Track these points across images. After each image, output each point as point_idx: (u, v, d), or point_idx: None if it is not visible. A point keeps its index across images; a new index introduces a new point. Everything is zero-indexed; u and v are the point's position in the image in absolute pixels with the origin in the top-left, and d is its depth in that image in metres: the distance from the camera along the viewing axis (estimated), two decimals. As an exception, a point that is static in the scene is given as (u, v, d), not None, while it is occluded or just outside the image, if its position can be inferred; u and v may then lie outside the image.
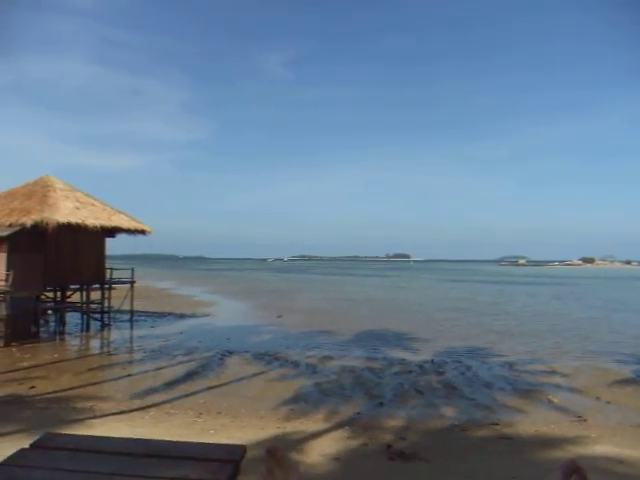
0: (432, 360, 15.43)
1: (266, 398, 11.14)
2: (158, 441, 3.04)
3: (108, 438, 3.06)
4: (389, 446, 7.74)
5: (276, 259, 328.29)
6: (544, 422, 9.51)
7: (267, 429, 8.77)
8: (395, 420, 9.61)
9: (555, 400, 11.14)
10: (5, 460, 2.65)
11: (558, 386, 12.61)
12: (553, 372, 14.18)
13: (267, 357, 15.84)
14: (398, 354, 16.55)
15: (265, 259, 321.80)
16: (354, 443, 7.98)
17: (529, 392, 11.92)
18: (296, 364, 14.93)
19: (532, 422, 9.52)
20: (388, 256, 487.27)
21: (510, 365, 14.91)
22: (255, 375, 13.49)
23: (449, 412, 10.21)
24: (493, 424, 9.34)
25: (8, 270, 17.82)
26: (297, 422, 9.31)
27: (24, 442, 7.40)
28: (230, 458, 2.69)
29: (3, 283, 17.67)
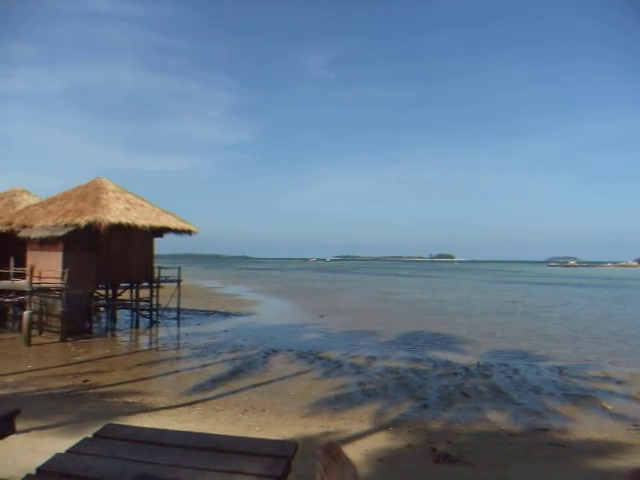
0: (478, 363, 15.10)
1: (309, 397, 11.19)
2: (214, 435, 3.11)
3: (167, 430, 3.16)
4: (434, 449, 7.63)
5: (318, 259, 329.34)
6: (597, 430, 9.14)
7: (311, 427, 8.82)
8: (440, 423, 9.46)
9: (609, 407, 10.69)
10: (71, 448, 2.79)
11: (613, 393, 12.08)
12: (607, 378, 13.60)
13: (310, 356, 15.93)
14: (443, 356, 16.29)
15: (307, 259, 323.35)
16: (398, 444, 7.91)
17: (581, 398, 11.48)
18: (339, 364, 14.93)
19: (584, 429, 9.17)
20: (431, 256, 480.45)
21: (561, 370, 14.41)
22: (298, 374, 13.59)
23: (496, 416, 9.97)
24: (542, 430, 9.05)
25: (64, 268, 18.65)
26: (341, 422, 9.31)
27: (81, 432, 7.73)
28: (283, 454, 2.72)
29: (59, 281, 18.50)
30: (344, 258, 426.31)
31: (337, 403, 10.71)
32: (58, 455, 2.69)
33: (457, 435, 8.62)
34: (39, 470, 2.53)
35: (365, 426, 9.02)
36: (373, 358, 15.86)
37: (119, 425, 3.27)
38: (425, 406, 10.60)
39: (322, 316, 26.50)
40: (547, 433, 8.86)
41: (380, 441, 8.04)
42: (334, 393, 11.50)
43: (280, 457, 2.67)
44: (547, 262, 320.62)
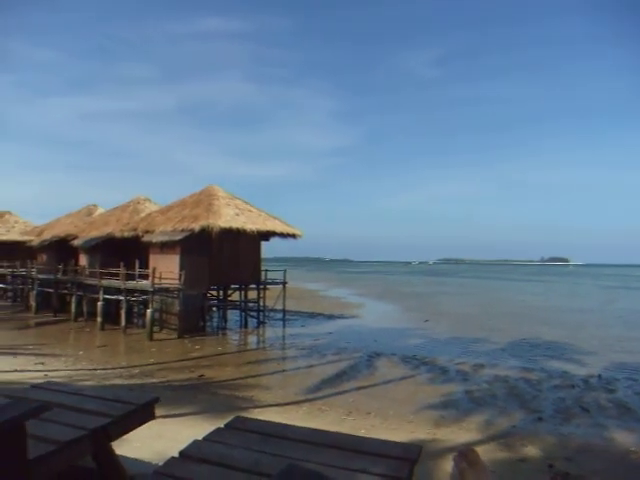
0: (599, 375, 13.90)
1: (415, 402, 11.00)
2: (337, 433, 3.19)
3: (291, 426, 3.29)
4: (551, 465, 7.14)
5: (421, 262, 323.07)
6: None
7: (417, 433, 8.66)
8: (556, 438, 8.82)
9: None
10: (207, 436, 3.01)
11: None
12: None
13: (415, 361, 15.66)
14: (558, 366, 15.21)
15: (409, 262, 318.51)
16: (510, 458, 7.50)
17: None
18: (445, 370, 14.52)
19: None
20: (543, 260, 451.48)
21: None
22: (403, 378, 13.42)
23: (622, 435, 9.09)
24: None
25: (181, 270, 20.07)
26: (447, 429, 9.04)
27: (199, 421, 8.23)
28: (408, 456, 2.70)
29: (177, 282, 19.92)
30: (447, 261, 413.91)
31: (443, 410, 10.41)
32: (196, 441, 2.92)
33: (577, 453, 7.99)
34: (181, 454, 2.75)
35: (473, 435, 8.68)
36: (481, 365, 15.22)
37: (247, 418, 3.46)
38: (539, 419, 9.96)
39: (426, 320, 25.94)
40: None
41: (490, 452, 7.68)
42: (440, 400, 11.20)
43: (405, 460, 2.65)
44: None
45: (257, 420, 3.40)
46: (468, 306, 35.52)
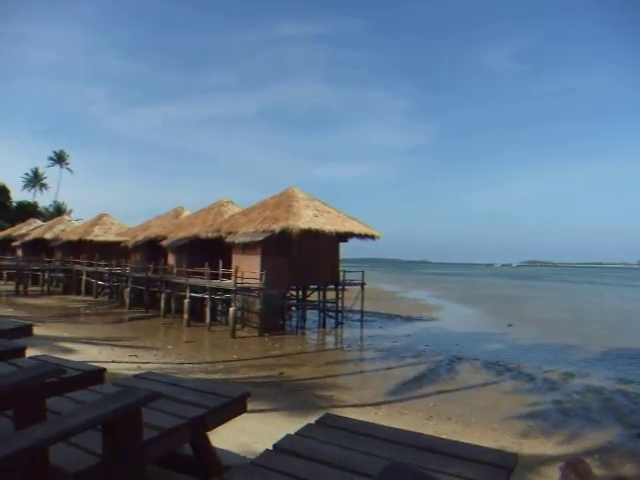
0: None
1: (498, 410, 10.61)
2: (426, 435, 3.16)
3: (382, 426, 3.31)
4: (653, 485, 6.63)
5: (503, 265, 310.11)
6: None
7: (501, 442, 8.33)
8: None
9: None
10: (299, 431, 3.11)
11: None
12: None
13: (498, 367, 15.10)
14: (660, 379, 14.05)
15: (491, 264, 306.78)
16: (608, 476, 7.05)
17: None
18: (531, 377, 13.88)
19: None
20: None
21: None
22: (486, 384, 12.98)
23: None
24: None
25: (262, 270, 20.66)
26: (535, 441, 8.64)
27: (280, 418, 8.44)
28: (504, 464, 2.62)
29: (258, 281, 20.53)
30: (532, 264, 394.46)
31: (530, 420, 9.96)
32: (289, 436, 3.02)
33: (684, 473, 7.36)
34: (275, 447, 2.86)
35: (564, 449, 8.23)
36: (570, 375, 14.39)
37: (336, 415, 3.53)
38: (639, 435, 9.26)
39: (510, 325, 24.91)
40: None
41: (584, 467, 7.24)
42: (526, 409, 10.72)
43: (501, 467, 2.58)
44: None
45: (347, 418, 3.45)
46: (556, 311, 33.67)
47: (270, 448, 2.84)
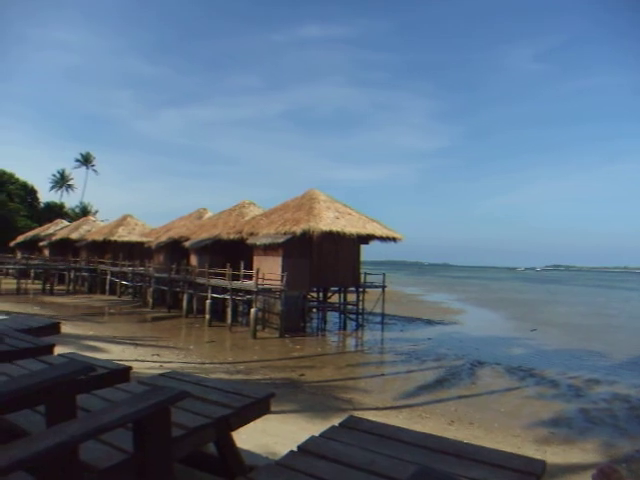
0: None
1: (521, 416, 10.47)
2: (452, 440, 3.15)
3: (407, 429, 3.31)
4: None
5: (527, 268, 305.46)
6: None
7: (524, 449, 8.22)
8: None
9: None
10: (323, 433, 3.13)
11: None
12: None
13: (521, 372, 14.89)
14: (689, 387, 13.69)
15: (515, 268, 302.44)
16: (634, 483, 6.90)
17: None
18: (555, 383, 13.65)
19: None
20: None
21: None
22: (508, 390, 12.82)
23: None
24: None
25: (283, 272, 20.75)
26: (559, 448, 8.50)
27: (301, 420, 8.46)
28: (531, 471, 2.59)
29: (279, 283, 20.62)
30: (557, 267, 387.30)
31: (554, 427, 9.80)
32: (313, 437, 3.05)
33: None
34: (299, 448, 2.89)
35: (590, 457, 8.08)
36: (596, 381, 14.12)
37: (361, 418, 3.54)
38: (667, 444, 9.04)
39: (534, 330, 24.54)
40: None
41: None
42: (550, 415, 10.56)
43: (528, 474, 2.55)
44: None
45: (371, 421, 3.46)
46: (582, 316, 33.05)
47: (294, 449, 2.86)
